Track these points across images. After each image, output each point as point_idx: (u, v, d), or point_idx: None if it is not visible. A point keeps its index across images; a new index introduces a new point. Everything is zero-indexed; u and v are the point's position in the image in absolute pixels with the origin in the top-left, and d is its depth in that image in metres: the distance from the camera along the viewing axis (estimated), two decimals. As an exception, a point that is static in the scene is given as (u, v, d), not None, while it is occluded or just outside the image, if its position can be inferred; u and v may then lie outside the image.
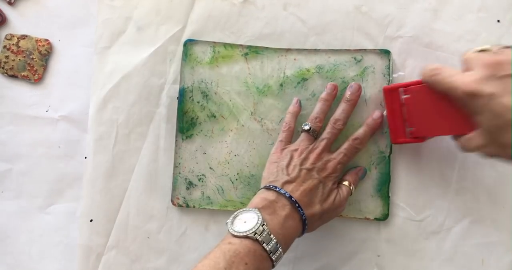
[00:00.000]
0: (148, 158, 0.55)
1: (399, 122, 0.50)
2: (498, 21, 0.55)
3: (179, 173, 0.55)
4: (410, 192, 0.54)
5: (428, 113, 0.47)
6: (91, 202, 0.55)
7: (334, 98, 0.53)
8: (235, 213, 0.45)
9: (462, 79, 0.41)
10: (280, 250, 0.43)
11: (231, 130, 0.55)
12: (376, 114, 0.52)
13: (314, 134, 0.52)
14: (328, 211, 0.48)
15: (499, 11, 0.55)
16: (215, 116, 0.55)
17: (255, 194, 0.54)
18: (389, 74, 0.54)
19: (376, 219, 0.54)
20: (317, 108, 0.52)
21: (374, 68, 0.54)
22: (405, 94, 0.49)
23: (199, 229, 0.55)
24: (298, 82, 0.55)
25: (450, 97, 0.43)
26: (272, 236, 0.43)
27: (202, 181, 0.55)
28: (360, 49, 0.54)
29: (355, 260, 0.54)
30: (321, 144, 0.51)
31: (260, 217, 0.44)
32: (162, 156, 0.55)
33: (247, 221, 0.44)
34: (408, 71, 0.54)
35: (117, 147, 0.55)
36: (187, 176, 0.55)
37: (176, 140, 0.55)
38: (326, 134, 0.51)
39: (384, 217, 0.54)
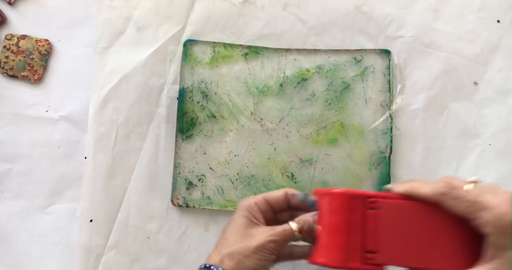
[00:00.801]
0: (148, 158, 0.55)
1: (354, 240, 0.39)
2: (498, 21, 0.55)
3: (179, 173, 0.55)
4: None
5: (404, 238, 0.39)
6: (91, 202, 0.55)
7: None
8: None
9: (495, 200, 0.35)
10: None
11: (231, 131, 0.55)
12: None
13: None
14: None
15: (499, 11, 0.55)
16: (215, 117, 0.55)
17: (255, 194, 0.54)
18: (389, 74, 0.54)
19: (376, 219, 0.54)
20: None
21: (374, 68, 0.54)
22: (371, 208, 0.40)
23: (199, 229, 0.55)
24: (298, 83, 0.55)
25: (457, 223, 0.37)
26: None
27: (202, 181, 0.55)
28: (360, 49, 0.54)
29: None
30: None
31: None
32: (162, 156, 0.55)
33: None
34: (408, 72, 0.54)
35: (117, 147, 0.55)
36: (187, 176, 0.55)
37: (176, 140, 0.55)
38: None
39: (384, 217, 0.53)
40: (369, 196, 0.40)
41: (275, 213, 0.45)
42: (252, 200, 0.44)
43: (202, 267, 0.41)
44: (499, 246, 0.35)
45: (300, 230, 0.42)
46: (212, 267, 0.41)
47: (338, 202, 0.40)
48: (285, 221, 0.43)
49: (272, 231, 0.42)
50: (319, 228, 0.41)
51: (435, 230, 0.38)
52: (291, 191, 0.44)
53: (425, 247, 0.38)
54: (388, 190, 0.41)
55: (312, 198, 0.43)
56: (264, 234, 0.41)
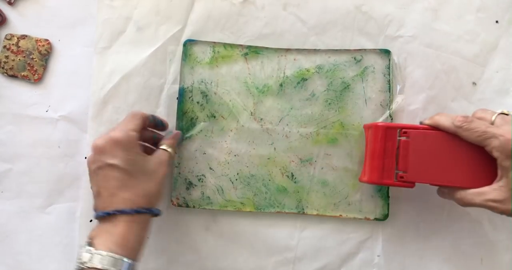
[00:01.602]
0: (148, 158, 0.55)
1: (389, 163, 0.48)
2: (497, 21, 0.55)
3: (179, 173, 0.55)
4: (409, 192, 0.54)
5: (429, 160, 0.47)
6: (91, 202, 0.55)
7: None
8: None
9: (503, 131, 0.44)
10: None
11: (231, 131, 0.55)
12: None
13: None
14: (146, 181, 0.47)
15: (498, 12, 0.55)
16: (214, 117, 0.55)
17: (254, 194, 0.54)
18: (389, 74, 0.54)
19: (376, 219, 0.54)
20: None
21: (374, 68, 0.54)
22: (402, 136, 0.48)
23: (199, 229, 0.55)
24: (298, 82, 0.55)
25: (475, 149, 0.45)
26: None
27: (202, 181, 0.55)
28: (360, 49, 0.54)
29: (355, 260, 0.54)
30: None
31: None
32: (162, 156, 0.55)
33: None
34: (408, 72, 0.54)
35: (117, 147, 0.55)
36: (187, 176, 0.55)
37: (176, 140, 0.55)
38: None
39: (384, 217, 0.54)
40: (402, 127, 0.48)
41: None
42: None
43: None
44: (505, 167, 0.44)
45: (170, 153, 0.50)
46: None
47: (378, 132, 0.49)
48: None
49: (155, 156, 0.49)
50: (366, 154, 0.51)
51: (456, 154, 0.46)
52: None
53: (448, 168, 0.47)
54: (421, 123, 0.49)
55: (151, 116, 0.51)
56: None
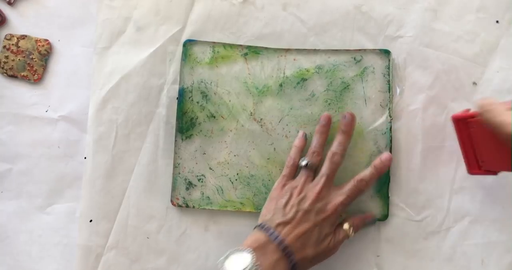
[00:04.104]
0: (147, 158, 0.55)
1: (470, 153, 0.49)
2: (497, 21, 0.55)
3: (179, 173, 0.55)
4: (409, 192, 0.54)
5: (490, 147, 0.46)
6: (90, 202, 0.55)
7: (329, 129, 0.52)
8: (227, 253, 0.45)
9: (509, 119, 0.41)
10: None
11: (231, 131, 0.55)
12: (385, 157, 0.50)
13: (313, 168, 0.51)
14: (321, 254, 0.48)
15: (498, 12, 0.55)
16: (214, 117, 0.55)
17: (254, 195, 0.54)
18: (389, 74, 0.54)
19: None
20: (314, 141, 0.52)
21: (374, 68, 0.54)
22: (471, 126, 0.48)
23: (198, 229, 0.55)
24: (298, 83, 0.55)
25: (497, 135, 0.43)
26: None
27: (202, 181, 0.55)
28: (360, 49, 0.54)
29: (355, 260, 0.54)
30: (321, 181, 0.49)
31: (254, 257, 0.44)
32: (161, 156, 0.55)
33: (240, 260, 0.44)
34: (408, 72, 0.54)
35: (116, 147, 0.55)
36: (187, 176, 0.55)
37: (175, 140, 0.55)
38: (325, 169, 0.50)
39: (384, 217, 0.54)
40: (465, 118, 0.48)
41: None
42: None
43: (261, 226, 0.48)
44: None
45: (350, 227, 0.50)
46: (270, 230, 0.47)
47: (454, 125, 0.49)
48: None
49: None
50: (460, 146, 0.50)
51: (497, 142, 0.44)
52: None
53: (498, 154, 0.45)
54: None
55: None
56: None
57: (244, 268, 0.43)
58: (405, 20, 0.55)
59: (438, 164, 0.54)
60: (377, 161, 0.50)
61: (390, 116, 0.54)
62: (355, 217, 0.51)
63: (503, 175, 0.49)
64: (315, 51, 0.55)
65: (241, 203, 0.55)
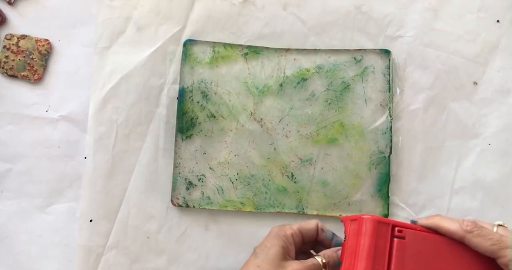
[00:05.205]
0: (148, 158, 0.55)
1: (379, 265, 0.39)
2: (498, 21, 0.55)
3: (179, 173, 0.55)
4: (410, 192, 0.54)
5: (428, 269, 0.39)
6: (91, 202, 0.55)
7: None
8: None
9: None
10: None
11: (231, 131, 0.55)
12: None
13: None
14: None
15: (499, 11, 0.55)
16: (214, 117, 0.55)
17: (254, 194, 0.54)
18: (389, 74, 0.54)
19: (376, 219, 0.54)
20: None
21: (374, 68, 0.54)
22: (397, 236, 0.40)
23: (199, 229, 0.55)
24: (298, 82, 0.55)
25: (481, 260, 0.39)
26: None
27: (202, 181, 0.55)
28: (360, 49, 0.54)
29: (355, 260, 0.54)
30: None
31: None
32: (162, 156, 0.55)
33: None
34: (408, 72, 0.54)
35: (117, 147, 0.55)
36: (187, 176, 0.55)
37: (175, 140, 0.55)
38: None
39: (384, 217, 0.54)
40: (396, 225, 0.40)
41: (303, 244, 0.46)
42: (289, 231, 0.45)
43: None
44: None
45: (325, 265, 0.43)
46: None
47: (366, 227, 0.40)
48: (307, 251, 0.47)
49: (302, 265, 0.42)
50: (344, 253, 0.41)
51: (459, 264, 0.39)
52: (320, 224, 0.46)
53: None
54: (415, 222, 0.41)
55: (331, 234, 0.46)
56: (295, 268, 0.42)
57: None
58: (405, 20, 0.55)
59: (438, 164, 0.54)
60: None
61: (391, 116, 0.54)
62: (331, 249, 0.46)
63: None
64: (315, 51, 0.55)
65: (241, 203, 0.55)
